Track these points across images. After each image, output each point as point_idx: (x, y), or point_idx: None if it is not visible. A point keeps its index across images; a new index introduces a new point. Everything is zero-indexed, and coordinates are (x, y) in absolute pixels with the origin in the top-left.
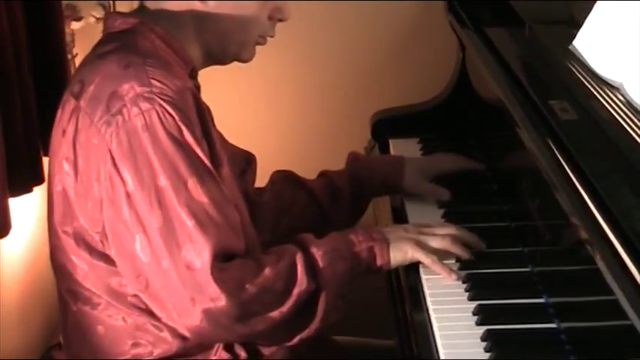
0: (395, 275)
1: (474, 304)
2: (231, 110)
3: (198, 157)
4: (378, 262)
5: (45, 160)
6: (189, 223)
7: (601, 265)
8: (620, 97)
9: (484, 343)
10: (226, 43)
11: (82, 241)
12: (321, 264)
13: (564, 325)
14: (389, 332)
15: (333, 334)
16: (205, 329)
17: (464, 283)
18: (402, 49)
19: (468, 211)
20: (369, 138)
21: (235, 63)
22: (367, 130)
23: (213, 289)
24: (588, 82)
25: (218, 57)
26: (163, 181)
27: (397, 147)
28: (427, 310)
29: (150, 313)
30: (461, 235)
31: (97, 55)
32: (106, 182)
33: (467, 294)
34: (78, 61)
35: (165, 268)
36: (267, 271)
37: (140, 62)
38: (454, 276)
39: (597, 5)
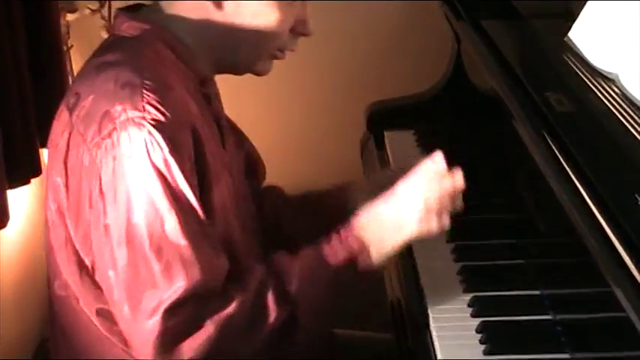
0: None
1: (469, 296)
2: (224, 105)
3: (183, 194)
4: (362, 268)
5: (42, 151)
6: (156, 267)
7: (596, 257)
8: (615, 89)
9: (479, 335)
10: (238, 54)
11: (77, 264)
12: (294, 292)
13: (560, 316)
14: (385, 323)
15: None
16: None
17: (459, 274)
18: (397, 40)
19: (463, 203)
20: (364, 130)
21: None
22: (362, 122)
23: (154, 346)
24: (584, 73)
25: (228, 67)
26: (137, 217)
27: (392, 139)
28: (422, 301)
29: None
30: (434, 193)
31: (97, 64)
32: (94, 208)
33: (462, 285)
34: (73, 52)
35: (124, 311)
36: (232, 305)
37: (138, 83)
38: (445, 223)
39: None
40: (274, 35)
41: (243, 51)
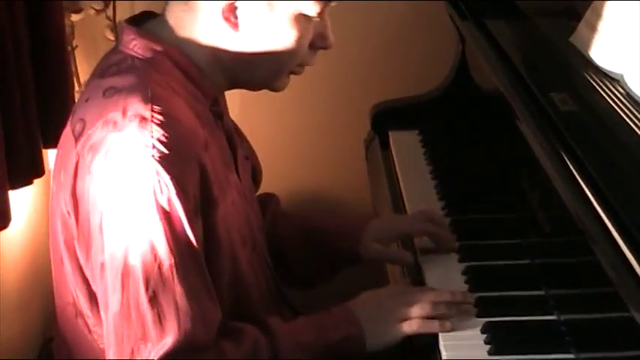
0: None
1: (474, 296)
2: (229, 103)
3: (185, 235)
4: (353, 350)
5: (45, 152)
6: (149, 316)
7: (601, 257)
8: (620, 89)
9: (484, 335)
10: (255, 74)
11: (88, 295)
12: (283, 357)
13: (564, 317)
14: None
15: None
16: None
17: (463, 275)
18: (402, 40)
19: (468, 202)
20: (368, 130)
21: None
22: (367, 122)
23: None
24: (588, 74)
25: (245, 85)
26: (135, 259)
27: (397, 139)
28: None
29: None
30: (440, 298)
31: (104, 88)
32: (94, 243)
33: (467, 286)
34: (78, 53)
35: (109, 355)
36: None
37: (147, 116)
38: (448, 325)
39: None
40: (294, 53)
41: (262, 70)
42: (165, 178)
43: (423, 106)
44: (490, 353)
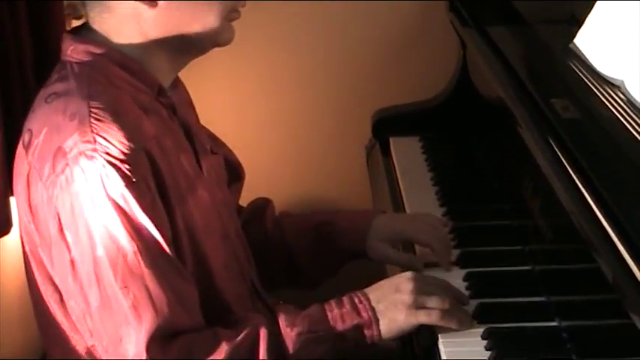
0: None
1: (475, 303)
2: (230, 110)
3: (143, 224)
4: (368, 339)
5: None
6: (125, 303)
7: (602, 263)
8: (621, 96)
9: (485, 342)
10: (193, 38)
11: (59, 302)
12: (291, 348)
13: (565, 323)
14: None
15: None
16: None
17: (465, 281)
18: (403, 47)
19: (469, 209)
20: (370, 137)
21: (232, 63)
22: (368, 128)
23: None
24: (589, 80)
25: (193, 52)
26: (101, 251)
27: (398, 145)
28: None
29: None
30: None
31: (46, 96)
32: (56, 247)
33: (468, 292)
34: None
35: (105, 349)
36: (221, 348)
37: (85, 113)
38: (467, 322)
39: (598, 3)
40: (221, 10)
41: (200, 35)
42: (111, 170)
43: (424, 113)
44: (491, 359)
